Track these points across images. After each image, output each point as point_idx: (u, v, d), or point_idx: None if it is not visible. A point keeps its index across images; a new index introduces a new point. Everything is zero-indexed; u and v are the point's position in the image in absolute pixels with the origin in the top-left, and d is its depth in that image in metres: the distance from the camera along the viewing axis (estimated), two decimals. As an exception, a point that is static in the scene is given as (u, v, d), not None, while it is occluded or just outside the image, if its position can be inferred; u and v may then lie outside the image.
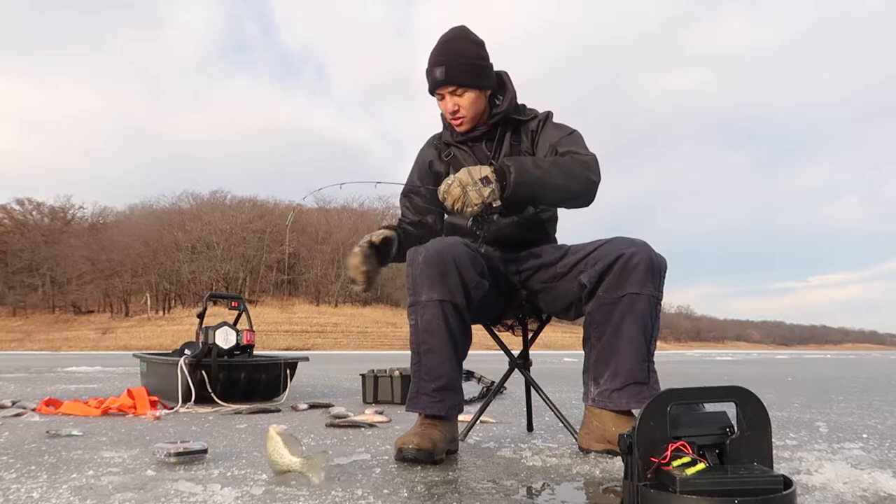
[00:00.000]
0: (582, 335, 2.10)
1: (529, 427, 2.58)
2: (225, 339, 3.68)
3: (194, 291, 65.64)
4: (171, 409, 3.29)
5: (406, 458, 1.83)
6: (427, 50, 2.15)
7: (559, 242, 2.26)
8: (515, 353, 2.39)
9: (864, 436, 2.47)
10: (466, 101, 2.10)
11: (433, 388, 1.92)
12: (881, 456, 2.01)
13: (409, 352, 2.01)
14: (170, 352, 4.09)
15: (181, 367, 3.42)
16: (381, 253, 2.13)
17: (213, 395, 3.46)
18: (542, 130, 2.16)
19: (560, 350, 38.63)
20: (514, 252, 2.16)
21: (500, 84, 2.19)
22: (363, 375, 3.93)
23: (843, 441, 2.32)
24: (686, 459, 1.21)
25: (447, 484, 1.58)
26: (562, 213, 2.27)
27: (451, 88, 2.09)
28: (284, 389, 3.79)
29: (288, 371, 3.85)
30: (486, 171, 1.90)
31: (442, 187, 1.92)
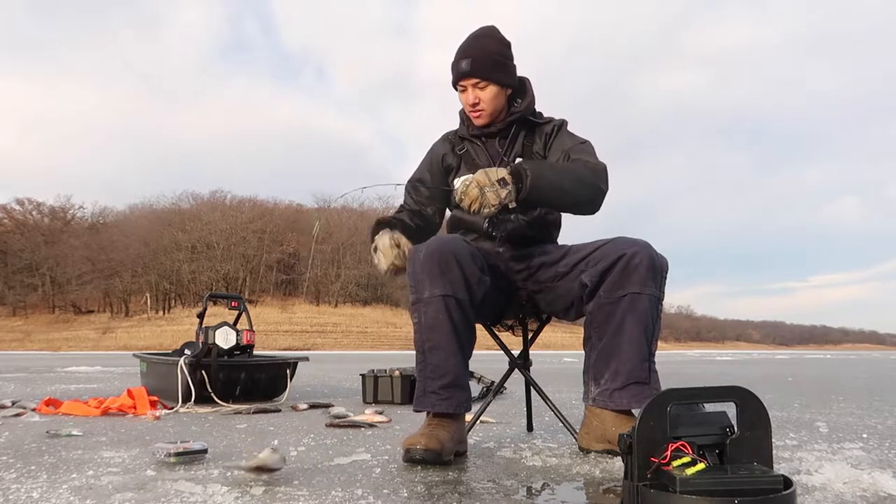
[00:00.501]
0: (582, 335, 2.10)
1: (529, 427, 2.58)
2: (225, 339, 3.68)
3: (194, 291, 65.63)
4: (171, 409, 3.29)
5: (414, 458, 1.81)
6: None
7: (560, 243, 2.26)
8: (515, 353, 2.39)
9: (864, 436, 2.46)
10: (487, 95, 2.14)
11: (440, 385, 1.90)
12: (881, 456, 2.01)
13: (408, 352, 2.01)
14: (170, 352, 4.09)
15: (181, 367, 3.42)
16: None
17: (213, 395, 3.46)
18: (556, 136, 2.20)
19: (560, 350, 38.63)
20: (515, 250, 2.17)
21: (521, 87, 2.24)
22: (363, 375, 3.93)
23: (843, 441, 2.32)
24: (686, 459, 1.21)
25: (447, 484, 1.58)
26: (564, 216, 2.28)
27: (474, 81, 2.13)
28: (284, 389, 3.79)
29: (288, 371, 3.85)
30: (503, 172, 1.92)
31: (459, 188, 1.94)
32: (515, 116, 2.21)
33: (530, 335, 2.43)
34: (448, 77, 2.19)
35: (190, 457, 1.82)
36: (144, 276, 66.75)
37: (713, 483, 1.16)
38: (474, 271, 1.92)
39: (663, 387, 1.60)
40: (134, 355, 4.34)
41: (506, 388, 4.24)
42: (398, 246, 2.05)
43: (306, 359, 4.53)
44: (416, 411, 1.95)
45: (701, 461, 1.21)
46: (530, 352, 2.41)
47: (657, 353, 1.99)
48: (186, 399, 3.39)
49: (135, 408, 3.17)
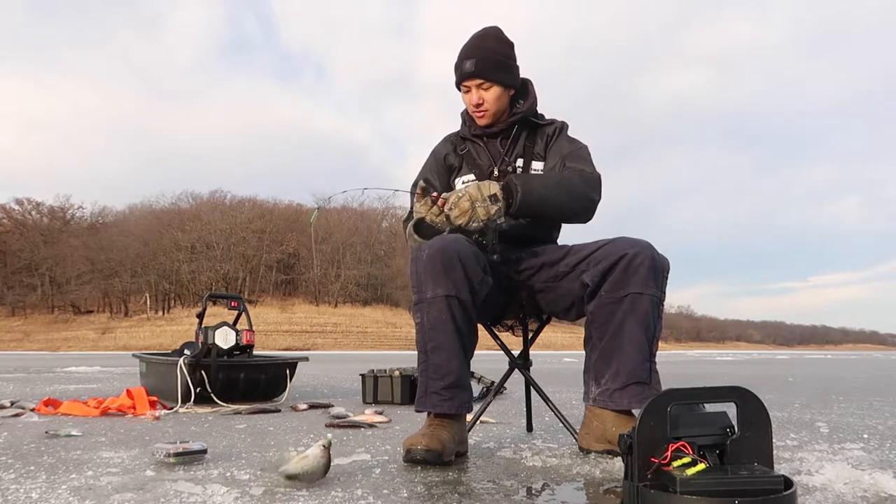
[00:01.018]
0: (583, 335, 2.10)
1: (529, 427, 2.58)
2: (224, 339, 3.67)
3: (194, 291, 65.60)
4: (171, 409, 3.29)
5: (415, 459, 1.80)
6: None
7: (560, 243, 2.26)
8: (515, 353, 2.39)
9: (865, 436, 2.46)
10: (491, 96, 2.15)
11: (442, 385, 1.90)
12: (882, 456, 2.01)
13: (408, 352, 2.01)
14: (169, 352, 4.08)
15: (181, 367, 3.41)
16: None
17: (212, 395, 3.46)
18: (556, 138, 2.22)
19: (560, 350, 38.64)
20: (515, 250, 2.17)
21: (523, 88, 2.25)
22: (363, 375, 3.93)
23: (844, 441, 2.31)
24: (686, 460, 1.21)
25: (447, 484, 1.57)
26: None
27: (478, 81, 2.14)
28: (284, 390, 3.79)
29: (288, 371, 3.84)
30: (495, 188, 1.94)
31: (451, 198, 1.94)
32: (517, 117, 2.21)
33: (530, 335, 2.42)
34: (450, 77, 2.20)
35: (189, 457, 1.82)
36: (144, 276, 66.72)
37: (714, 483, 1.15)
38: (477, 271, 1.92)
39: (663, 387, 1.60)
40: (133, 355, 4.33)
41: (506, 389, 4.24)
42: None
43: (306, 359, 4.53)
44: (418, 411, 1.95)
45: (701, 461, 1.21)
46: (530, 352, 2.40)
47: (658, 353, 1.99)
48: (186, 399, 3.39)
49: (134, 408, 3.17)
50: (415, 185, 2.33)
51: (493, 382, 4.16)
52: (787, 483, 1.18)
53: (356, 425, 2.67)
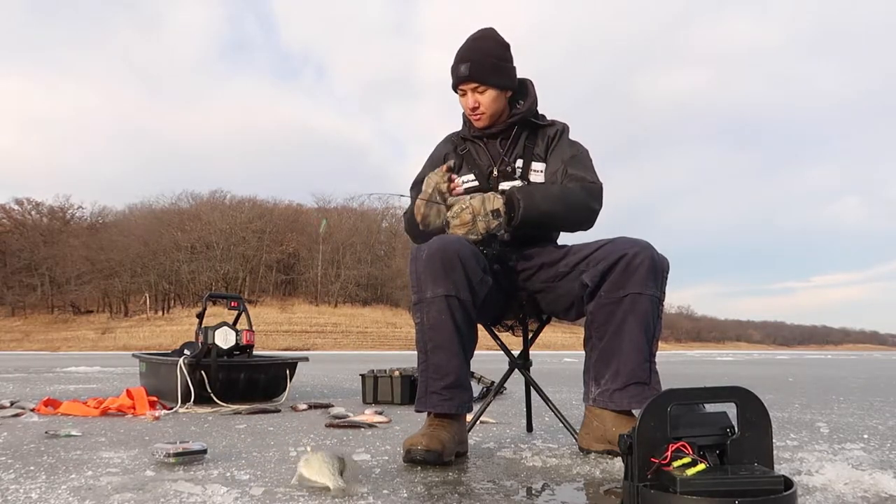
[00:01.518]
0: (583, 335, 2.09)
1: (529, 428, 2.58)
2: (224, 339, 3.67)
3: (194, 291, 65.59)
4: (171, 409, 3.28)
5: (415, 459, 1.81)
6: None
7: (559, 243, 2.26)
8: (515, 353, 2.39)
9: (865, 436, 2.46)
10: (487, 99, 2.15)
11: (442, 385, 1.89)
12: (882, 457, 2.01)
13: (408, 352, 2.01)
14: (169, 352, 4.08)
15: (180, 367, 3.41)
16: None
17: (212, 395, 3.46)
18: (557, 141, 2.22)
19: (560, 350, 38.63)
20: (515, 250, 2.17)
21: (522, 89, 2.25)
22: (363, 376, 3.93)
23: (844, 442, 2.31)
24: (686, 460, 1.21)
25: (447, 484, 1.57)
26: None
27: (473, 85, 2.14)
28: (284, 390, 3.79)
29: (287, 371, 3.84)
30: (499, 203, 1.96)
31: (455, 209, 1.97)
32: (517, 118, 2.21)
33: (530, 335, 2.42)
34: (450, 77, 2.20)
35: (189, 457, 1.82)
36: (144, 276, 66.71)
37: (714, 484, 1.15)
38: (477, 271, 1.92)
39: (663, 387, 1.60)
40: (133, 355, 4.33)
41: (506, 389, 4.24)
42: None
43: (306, 359, 4.53)
44: (418, 411, 1.95)
45: (701, 462, 1.21)
46: (530, 352, 2.40)
47: (657, 353, 1.99)
48: (186, 399, 3.39)
49: (134, 408, 3.17)
50: (415, 184, 2.33)
51: (493, 382, 4.16)
52: (788, 483, 1.18)
53: (356, 425, 2.67)
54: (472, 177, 2.21)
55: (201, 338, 3.65)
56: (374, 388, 3.82)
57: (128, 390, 3.35)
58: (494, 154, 2.23)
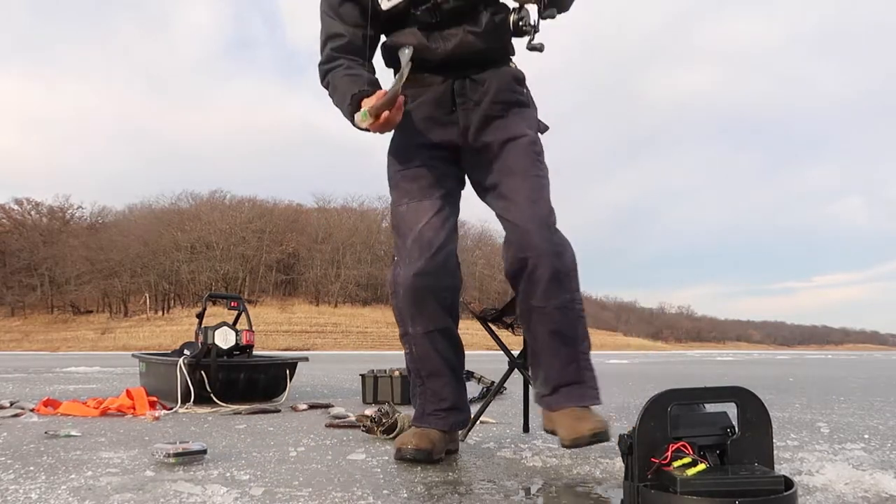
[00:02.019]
0: None
1: (526, 428, 2.57)
2: (224, 339, 3.67)
3: (193, 291, 65.58)
4: (170, 409, 3.28)
5: (405, 458, 1.84)
6: None
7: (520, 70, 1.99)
8: (515, 352, 2.39)
9: (866, 436, 2.46)
10: None
11: (436, 408, 1.94)
12: (883, 457, 2.01)
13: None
14: (169, 352, 4.08)
15: (180, 367, 3.41)
16: None
17: (212, 395, 3.46)
18: None
19: (560, 350, 38.50)
20: (464, 70, 1.89)
21: None
22: (363, 375, 3.92)
23: (845, 442, 2.31)
24: (687, 460, 1.21)
25: (447, 484, 1.57)
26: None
27: None
28: (284, 390, 3.79)
29: (287, 371, 3.84)
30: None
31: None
32: None
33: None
34: None
35: (189, 457, 1.82)
36: (143, 276, 66.72)
37: (714, 484, 1.15)
38: (453, 299, 1.92)
39: (664, 387, 1.60)
40: (133, 355, 4.33)
41: (506, 389, 4.24)
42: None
43: (306, 359, 4.53)
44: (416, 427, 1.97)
45: (702, 462, 1.21)
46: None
47: (588, 350, 1.89)
48: (186, 399, 3.38)
49: (134, 408, 3.17)
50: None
51: (493, 382, 4.16)
52: (788, 483, 1.18)
53: (356, 425, 2.67)
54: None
55: (201, 338, 3.65)
56: (374, 388, 3.81)
57: (128, 390, 3.34)
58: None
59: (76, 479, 1.61)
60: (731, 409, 1.30)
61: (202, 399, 3.45)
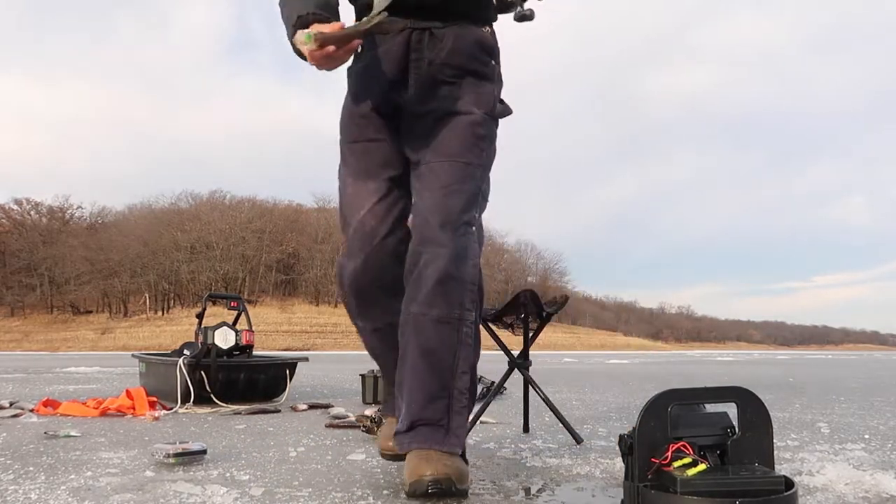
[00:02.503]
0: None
1: (525, 428, 2.57)
2: (224, 339, 3.67)
3: (193, 292, 65.56)
4: (170, 409, 3.28)
5: (386, 455, 1.76)
6: None
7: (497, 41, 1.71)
8: (515, 353, 2.39)
9: (866, 437, 2.46)
10: None
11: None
12: (883, 457, 2.01)
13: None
14: (169, 352, 4.08)
15: (180, 367, 3.41)
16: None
17: (212, 395, 3.46)
18: None
19: (560, 350, 38.64)
20: (426, 22, 1.62)
21: None
22: (363, 376, 3.92)
23: (845, 442, 2.31)
24: (687, 460, 1.21)
25: (447, 485, 1.57)
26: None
27: None
28: (284, 390, 3.79)
29: (287, 371, 3.84)
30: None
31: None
32: None
33: (531, 334, 2.42)
34: None
35: (189, 458, 1.82)
36: (143, 276, 66.70)
37: (714, 484, 1.15)
38: (399, 283, 1.61)
39: (665, 387, 1.58)
40: (133, 356, 4.33)
41: (506, 389, 4.24)
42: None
43: (306, 359, 4.53)
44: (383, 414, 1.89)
45: (702, 462, 1.21)
46: (530, 352, 2.40)
47: (470, 385, 1.57)
48: (185, 400, 3.38)
49: (133, 408, 3.16)
50: None
51: (493, 382, 4.16)
52: (788, 483, 1.18)
53: (356, 426, 2.67)
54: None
55: (201, 338, 3.65)
56: (374, 388, 3.81)
57: (127, 390, 3.34)
58: None
59: (76, 480, 1.61)
60: (731, 410, 1.30)
61: (202, 399, 3.45)
